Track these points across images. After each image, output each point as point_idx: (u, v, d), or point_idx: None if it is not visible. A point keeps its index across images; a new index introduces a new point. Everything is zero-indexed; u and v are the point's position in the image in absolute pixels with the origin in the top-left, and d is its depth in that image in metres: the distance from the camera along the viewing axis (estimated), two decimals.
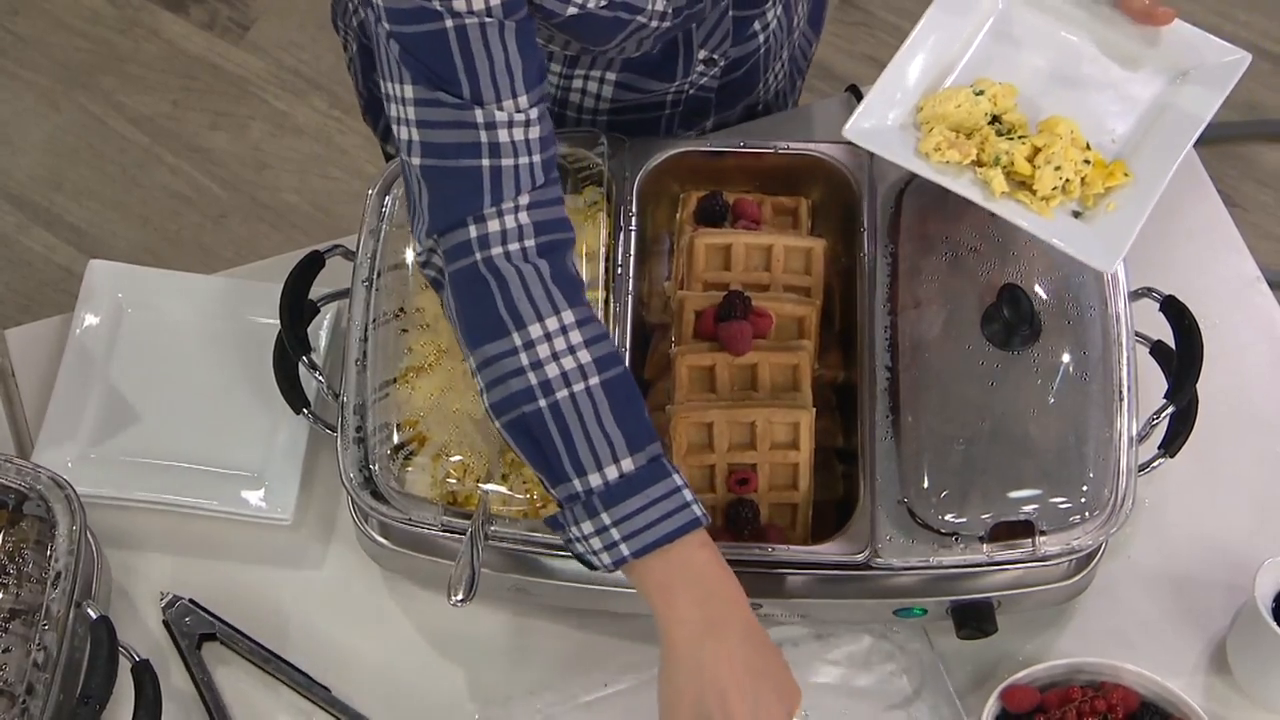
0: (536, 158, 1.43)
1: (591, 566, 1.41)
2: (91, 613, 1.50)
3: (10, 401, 1.76)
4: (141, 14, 3.31)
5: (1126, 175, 1.49)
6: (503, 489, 1.53)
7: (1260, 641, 1.57)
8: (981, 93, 1.52)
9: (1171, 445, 1.60)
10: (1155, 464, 1.59)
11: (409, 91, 1.40)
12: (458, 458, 1.54)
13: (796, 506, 1.57)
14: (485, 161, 1.40)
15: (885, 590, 1.56)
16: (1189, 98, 1.52)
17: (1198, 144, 1.55)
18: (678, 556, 1.39)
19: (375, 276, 1.62)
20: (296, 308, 1.64)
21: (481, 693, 1.62)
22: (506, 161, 1.41)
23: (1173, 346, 1.63)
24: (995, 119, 1.52)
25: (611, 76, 1.70)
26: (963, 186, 1.49)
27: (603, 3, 1.51)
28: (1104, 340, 1.57)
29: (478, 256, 1.41)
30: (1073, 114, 1.52)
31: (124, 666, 1.51)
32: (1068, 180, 1.47)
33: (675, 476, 1.39)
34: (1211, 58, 1.53)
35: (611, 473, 1.38)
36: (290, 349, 1.62)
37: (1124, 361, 1.56)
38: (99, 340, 1.74)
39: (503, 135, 1.40)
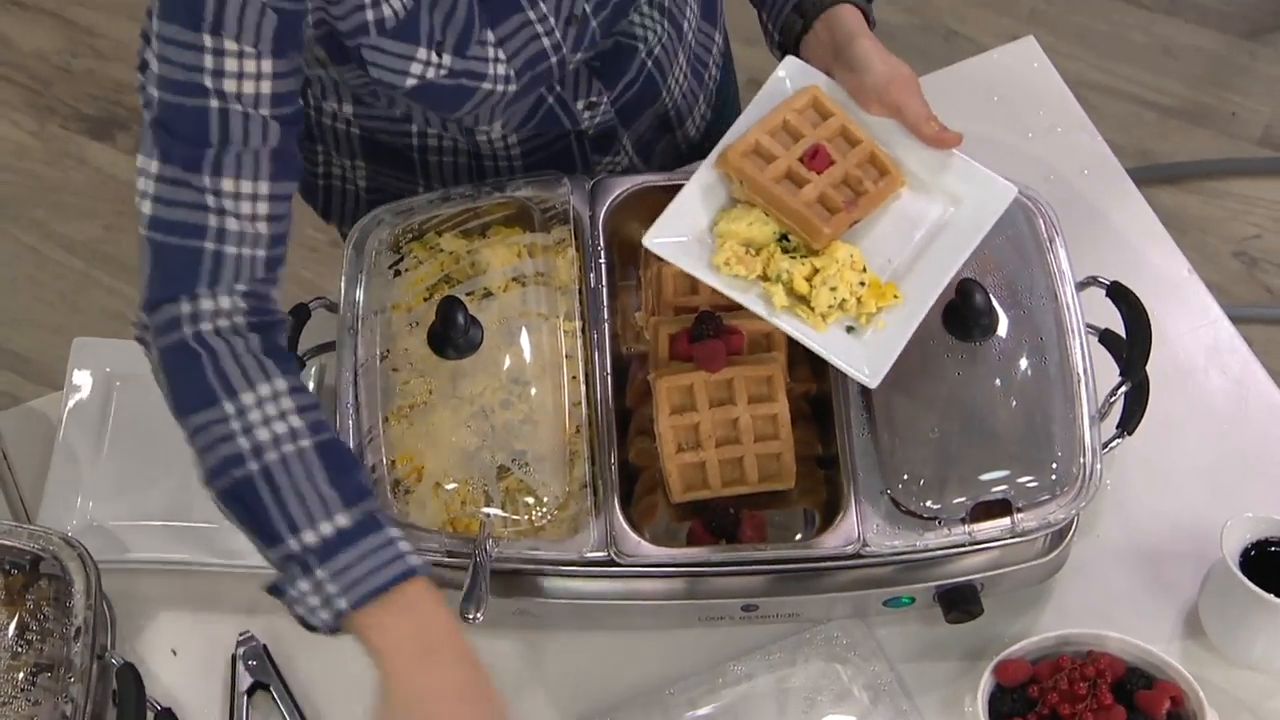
0: (262, 253, 1.48)
1: (312, 628, 1.42)
2: (115, 660, 1.53)
3: (5, 484, 1.80)
4: (68, 145, 3.36)
5: (897, 297, 1.56)
6: (501, 512, 1.59)
7: (1231, 597, 1.64)
8: None
9: (1129, 423, 1.68)
10: (1115, 443, 1.66)
11: (154, 167, 1.44)
12: (453, 485, 1.59)
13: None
14: (210, 245, 1.45)
15: (875, 580, 1.63)
16: (961, 224, 1.59)
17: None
18: (392, 601, 1.41)
19: (359, 323, 1.67)
20: None
21: None
22: (230, 250, 1.46)
23: (1120, 334, 1.72)
24: (784, 237, 1.58)
25: (513, 139, 1.78)
26: (750, 300, 1.56)
27: (443, 72, 1.57)
28: (1058, 326, 1.65)
29: (187, 331, 1.44)
30: (860, 234, 1.59)
31: None
32: (844, 300, 1.55)
33: (389, 530, 1.42)
34: (982, 188, 1.60)
35: (326, 529, 1.40)
36: None
37: (1078, 345, 1.65)
38: (92, 413, 1.79)
39: (231, 224, 1.45)
